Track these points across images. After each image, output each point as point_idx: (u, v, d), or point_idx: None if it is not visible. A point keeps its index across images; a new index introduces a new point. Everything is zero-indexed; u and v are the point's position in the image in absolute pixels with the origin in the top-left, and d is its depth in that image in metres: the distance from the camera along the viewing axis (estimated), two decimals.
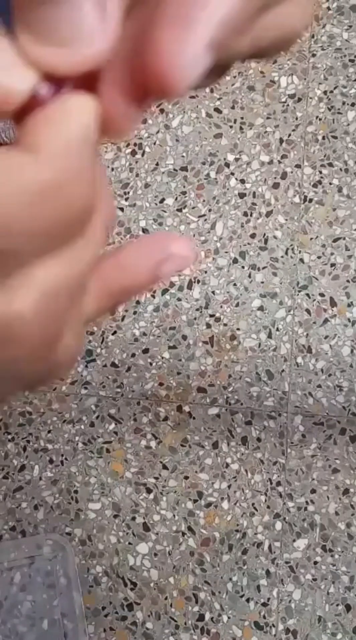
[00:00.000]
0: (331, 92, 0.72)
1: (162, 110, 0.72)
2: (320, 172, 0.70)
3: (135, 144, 0.72)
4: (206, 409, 0.66)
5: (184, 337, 0.67)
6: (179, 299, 0.68)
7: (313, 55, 0.73)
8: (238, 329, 0.67)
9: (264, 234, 0.69)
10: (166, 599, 0.63)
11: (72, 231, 0.13)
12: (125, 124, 0.13)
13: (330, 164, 0.70)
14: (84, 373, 0.68)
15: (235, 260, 0.68)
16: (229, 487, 0.64)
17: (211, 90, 0.73)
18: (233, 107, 0.72)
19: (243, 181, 0.70)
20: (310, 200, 0.69)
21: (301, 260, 0.68)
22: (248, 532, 0.63)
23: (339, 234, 0.68)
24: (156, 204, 0.70)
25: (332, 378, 0.65)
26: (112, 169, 0.71)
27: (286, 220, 0.69)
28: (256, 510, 0.64)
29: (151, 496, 0.65)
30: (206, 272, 0.68)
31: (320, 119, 0.71)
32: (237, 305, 0.67)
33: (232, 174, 0.70)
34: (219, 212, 0.69)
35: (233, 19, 0.12)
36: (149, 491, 0.65)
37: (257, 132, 0.71)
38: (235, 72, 0.73)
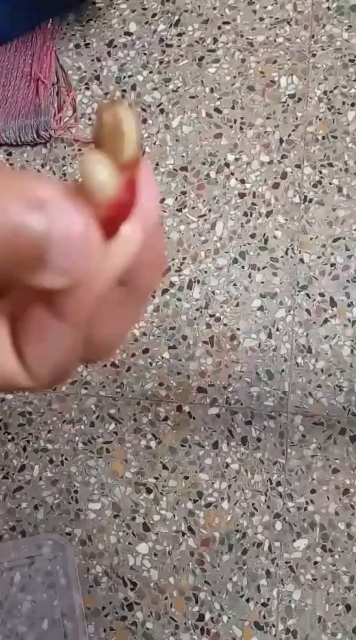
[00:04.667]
0: (331, 92, 0.72)
1: (162, 111, 0.72)
2: (320, 172, 0.70)
3: None
4: (206, 409, 0.66)
5: (184, 337, 0.67)
6: (179, 299, 0.68)
7: (313, 55, 0.73)
8: (238, 329, 0.67)
9: (264, 234, 0.69)
10: (166, 599, 0.63)
11: None
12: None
13: (330, 164, 0.70)
14: (84, 373, 0.68)
15: (235, 260, 0.68)
16: (229, 487, 0.64)
17: (211, 90, 0.73)
18: (233, 107, 0.72)
19: (243, 181, 0.70)
20: (310, 200, 0.69)
21: (301, 260, 0.68)
22: (248, 532, 0.63)
23: (339, 234, 0.68)
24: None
25: (332, 378, 0.65)
26: None
27: (286, 220, 0.69)
28: (256, 510, 0.64)
29: (151, 496, 0.65)
30: (206, 272, 0.68)
31: (320, 119, 0.71)
32: (237, 305, 0.67)
33: (232, 174, 0.70)
34: (219, 212, 0.69)
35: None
36: (149, 491, 0.65)
37: (257, 132, 0.71)
38: (235, 72, 0.73)
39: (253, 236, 0.69)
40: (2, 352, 0.16)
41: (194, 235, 0.69)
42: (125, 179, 0.15)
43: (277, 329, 0.67)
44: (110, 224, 0.15)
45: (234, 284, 0.68)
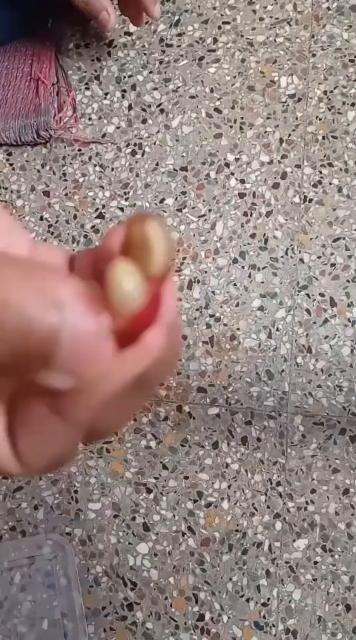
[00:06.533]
0: (331, 92, 0.72)
1: (162, 111, 0.72)
2: (320, 172, 0.70)
3: (135, 144, 0.72)
4: (206, 409, 0.66)
5: (184, 337, 0.67)
6: (179, 299, 0.68)
7: (313, 55, 0.73)
8: (238, 329, 0.67)
9: (264, 234, 0.69)
10: (166, 599, 0.63)
11: None
12: None
13: (330, 164, 0.70)
14: None
15: (235, 260, 0.68)
16: (229, 487, 0.64)
17: (211, 90, 0.73)
18: (233, 107, 0.72)
19: (243, 181, 0.70)
20: (310, 200, 0.69)
21: (301, 260, 0.68)
22: (248, 532, 0.63)
23: (339, 234, 0.68)
24: (156, 204, 0.70)
25: (332, 378, 0.65)
26: (112, 169, 0.71)
27: (286, 220, 0.69)
28: (256, 510, 0.64)
29: (151, 496, 0.65)
30: (206, 272, 0.68)
31: (320, 119, 0.71)
32: (237, 305, 0.67)
33: (232, 174, 0.70)
34: (219, 212, 0.69)
35: None
36: (149, 491, 0.65)
37: (257, 132, 0.71)
38: (235, 72, 0.73)
39: (253, 236, 0.69)
40: None
41: (194, 235, 0.69)
42: (151, 290, 0.14)
43: (277, 329, 0.67)
44: (130, 333, 0.14)
45: (234, 284, 0.68)
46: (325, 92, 0.72)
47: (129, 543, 0.64)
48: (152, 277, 0.14)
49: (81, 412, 0.15)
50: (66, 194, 0.71)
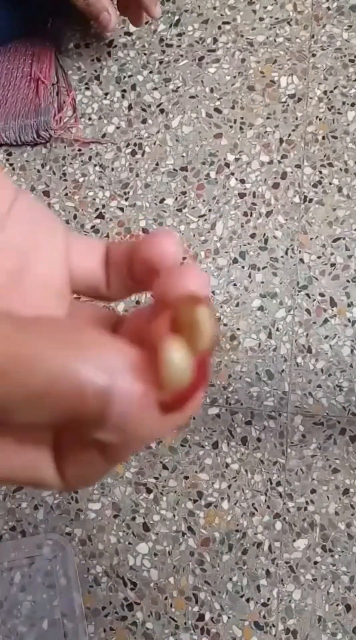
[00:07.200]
0: (331, 92, 0.72)
1: (162, 111, 0.72)
2: (320, 172, 0.70)
3: (135, 144, 0.72)
4: (206, 409, 0.66)
5: None
6: None
7: (313, 55, 0.73)
8: (238, 329, 0.67)
9: (264, 234, 0.69)
10: (166, 599, 0.63)
11: None
12: None
13: (330, 164, 0.70)
14: None
15: (235, 260, 0.68)
16: (229, 487, 0.64)
17: (211, 90, 0.73)
18: (233, 107, 0.72)
19: (243, 181, 0.70)
20: (310, 200, 0.69)
21: (301, 260, 0.68)
22: (248, 532, 0.63)
23: (339, 234, 0.68)
24: (156, 204, 0.70)
25: (332, 378, 0.65)
26: (112, 169, 0.71)
27: (286, 220, 0.69)
28: (256, 510, 0.64)
29: (151, 496, 0.65)
30: (206, 272, 0.68)
31: (320, 119, 0.71)
32: (237, 305, 0.67)
33: (232, 174, 0.70)
34: (219, 212, 0.69)
35: None
36: (149, 491, 0.65)
37: (257, 132, 0.71)
38: (235, 72, 0.73)
39: (253, 236, 0.69)
40: (42, 462, 0.17)
41: (194, 235, 0.69)
42: (197, 362, 0.15)
43: (277, 329, 0.67)
44: (177, 401, 0.15)
45: (234, 284, 0.68)
46: (325, 92, 0.72)
47: (129, 543, 0.64)
48: (200, 352, 0.15)
49: (124, 455, 0.17)
50: (66, 194, 0.71)
